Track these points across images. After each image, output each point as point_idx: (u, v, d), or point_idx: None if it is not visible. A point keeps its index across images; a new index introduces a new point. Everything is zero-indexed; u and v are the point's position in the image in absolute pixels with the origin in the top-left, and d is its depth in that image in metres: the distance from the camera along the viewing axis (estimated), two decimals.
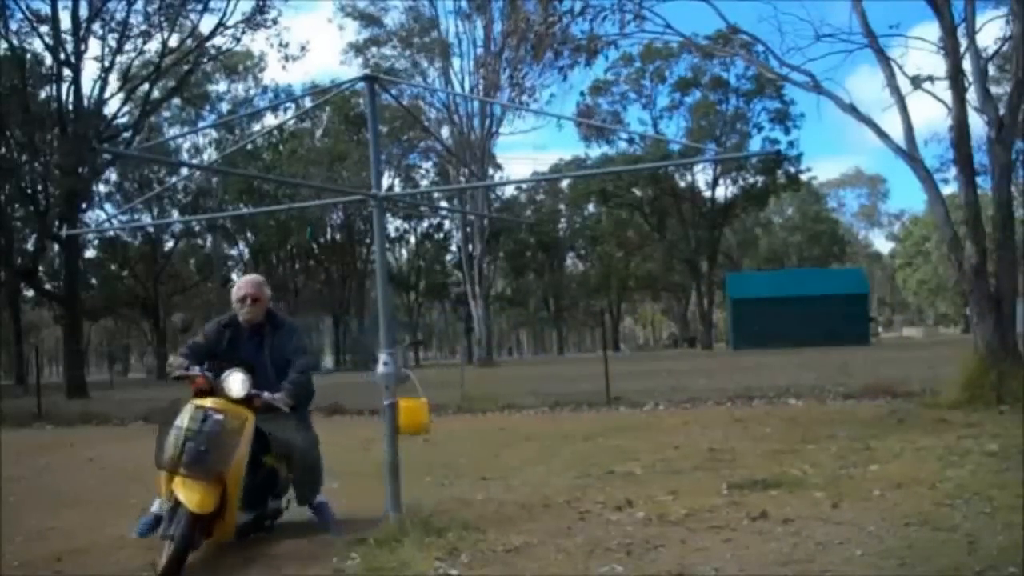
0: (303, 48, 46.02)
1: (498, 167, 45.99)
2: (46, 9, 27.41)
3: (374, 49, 39.56)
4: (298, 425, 4.90)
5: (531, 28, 13.71)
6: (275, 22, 30.68)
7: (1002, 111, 11.28)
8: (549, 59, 14.18)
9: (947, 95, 11.62)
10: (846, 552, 4.17)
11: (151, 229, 42.90)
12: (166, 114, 41.63)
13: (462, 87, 37.70)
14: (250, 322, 4.89)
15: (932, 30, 12.26)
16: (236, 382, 4.45)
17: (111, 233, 39.97)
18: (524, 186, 52.55)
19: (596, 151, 49.90)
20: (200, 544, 4.33)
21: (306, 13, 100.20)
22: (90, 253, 43.95)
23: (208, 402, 4.37)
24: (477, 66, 28.86)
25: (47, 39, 27.70)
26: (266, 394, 4.57)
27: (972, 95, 11.49)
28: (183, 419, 4.27)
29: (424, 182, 45.65)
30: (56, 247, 32.29)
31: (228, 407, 4.39)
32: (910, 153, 11.89)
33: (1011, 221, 11.68)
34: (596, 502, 5.56)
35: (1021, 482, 5.29)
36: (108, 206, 41.85)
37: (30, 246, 33.91)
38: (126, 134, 30.93)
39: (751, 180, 51.12)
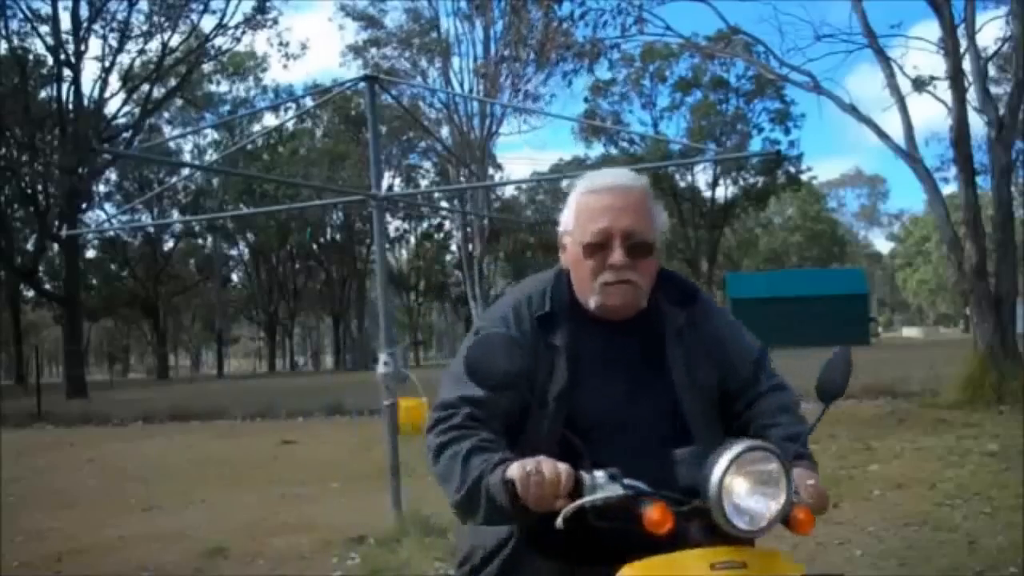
0: (303, 47, 45.86)
1: (498, 167, 45.94)
2: (46, 9, 27.52)
3: (374, 50, 39.51)
4: None
5: (532, 35, 13.73)
6: (275, 22, 30.79)
7: (1002, 111, 11.29)
8: (553, 63, 14.21)
9: (947, 95, 11.64)
10: (846, 552, 4.18)
11: (151, 229, 42.84)
12: (166, 114, 41.61)
13: (462, 87, 37.67)
14: (625, 306, 1.65)
15: (932, 30, 12.31)
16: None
17: (111, 233, 39.89)
18: (524, 186, 52.47)
19: (596, 151, 49.89)
20: None
21: (306, 13, 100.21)
22: (90, 253, 43.96)
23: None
24: (478, 72, 28.83)
25: (47, 39, 27.76)
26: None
27: (972, 95, 11.51)
28: None
29: (424, 182, 45.60)
30: (56, 247, 32.27)
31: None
32: (910, 153, 11.89)
33: (1011, 221, 11.70)
34: None
35: (1021, 482, 5.29)
36: (108, 206, 41.85)
37: (30, 246, 33.90)
38: (126, 134, 30.94)
39: (751, 180, 51.08)
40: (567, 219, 1.70)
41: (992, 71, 15.17)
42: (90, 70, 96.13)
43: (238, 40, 31.17)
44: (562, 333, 1.63)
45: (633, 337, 1.66)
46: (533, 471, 1.34)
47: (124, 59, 29.94)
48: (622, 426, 1.58)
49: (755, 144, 47.84)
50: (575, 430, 1.54)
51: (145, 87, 31.31)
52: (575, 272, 1.68)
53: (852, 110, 12.42)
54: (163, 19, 29.06)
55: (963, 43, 11.52)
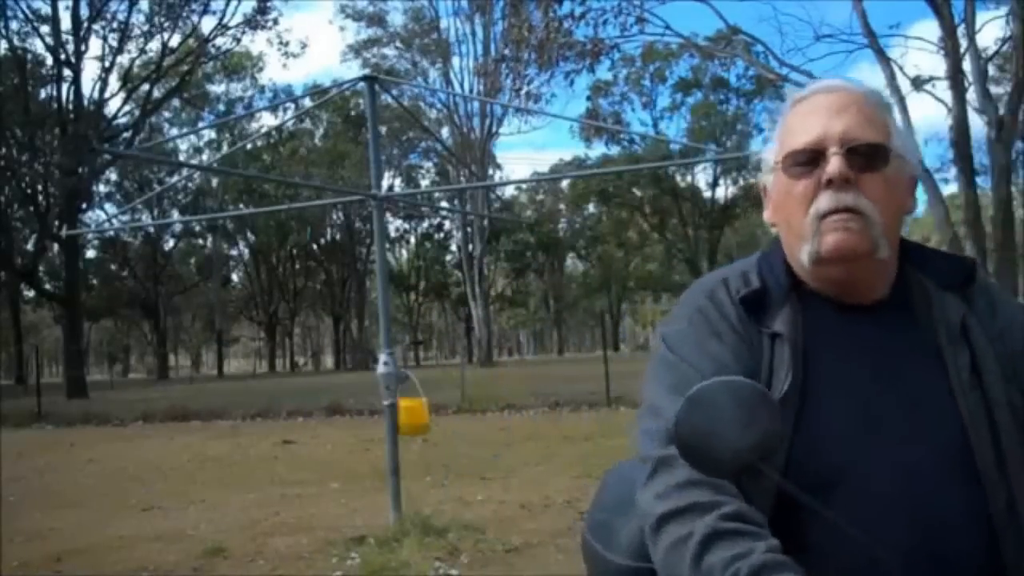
0: (303, 45, 46.02)
1: (498, 167, 46.03)
2: (46, 9, 27.55)
3: (374, 50, 39.56)
4: None
5: (534, 34, 13.77)
6: (275, 23, 30.82)
7: (1002, 111, 11.30)
8: (554, 63, 14.25)
9: (947, 95, 11.65)
10: None
11: (151, 229, 42.88)
12: (166, 114, 41.65)
13: (462, 87, 37.72)
14: (849, 248, 1.03)
15: (932, 30, 12.33)
16: None
17: (111, 233, 39.92)
18: (524, 186, 52.58)
19: (596, 151, 49.99)
20: None
21: (306, 13, 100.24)
22: (90, 253, 44.02)
23: None
24: (478, 72, 28.90)
25: (47, 39, 27.80)
26: None
27: (972, 95, 11.52)
28: None
29: (424, 182, 45.67)
30: (56, 247, 32.28)
31: None
32: None
33: (1011, 221, 11.73)
34: None
35: None
36: (108, 206, 41.92)
37: (30, 246, 33.92)
38: (126, 134, 30.96)
39: (751, 180, 51.17)
40: (770, 152, 1.16)
41: (992, 71, 15.20)
42: (90, 70, 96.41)
43: (238, 40, 31.25)
44: (783, 316, 1.08)
45: (890, 329, 1.07)
46: None
47: (124, 59, 30.03)
48: (871, 469, 1.00)
49: (755, 144, 47.94)
50: (802, 469, 1.00)
51: (145, 87, 31.34)
52: (781, 218, 1.12)
53: None
54: (163, 19, 29.09)
55: (963, 43, 11.55)
